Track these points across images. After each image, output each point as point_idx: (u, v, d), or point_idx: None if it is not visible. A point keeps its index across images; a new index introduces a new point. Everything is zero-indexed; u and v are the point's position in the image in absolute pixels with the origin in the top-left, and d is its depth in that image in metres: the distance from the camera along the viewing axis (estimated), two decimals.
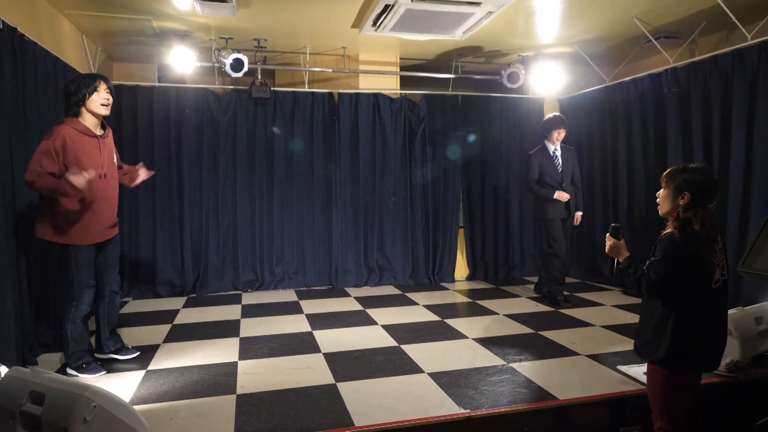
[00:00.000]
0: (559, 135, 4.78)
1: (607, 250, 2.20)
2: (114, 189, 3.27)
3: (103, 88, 3.10)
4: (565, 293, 4.97)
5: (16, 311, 3.13)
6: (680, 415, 2.08)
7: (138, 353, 3.53)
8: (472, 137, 6.15)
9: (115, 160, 3.30)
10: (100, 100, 3.08)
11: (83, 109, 3.07)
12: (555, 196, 4.70)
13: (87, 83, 3.06)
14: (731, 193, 4.23)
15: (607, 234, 2.21)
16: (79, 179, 2.82)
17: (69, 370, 3.16)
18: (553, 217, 4.77)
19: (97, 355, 3.35)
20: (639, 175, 5.34)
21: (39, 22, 3.94)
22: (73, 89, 3.05)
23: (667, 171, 2.13)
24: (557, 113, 4.99)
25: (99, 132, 3.15)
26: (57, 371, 3.17)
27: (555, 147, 4.82)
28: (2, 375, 2.19)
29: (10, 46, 3.24)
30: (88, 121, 3.10)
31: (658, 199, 2.16)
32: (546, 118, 4.92)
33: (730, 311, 3.13)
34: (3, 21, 3.14)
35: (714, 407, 2.88)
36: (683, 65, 4.73)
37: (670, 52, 5.04)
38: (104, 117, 3.17)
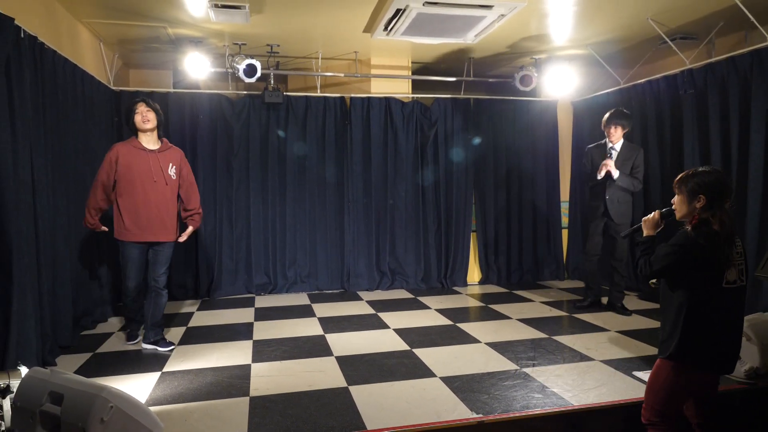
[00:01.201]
0: (613, 131, 4.50)
1: (644, 219, 2.29)
2: (165, 198, 3.67)
3: (140, 107, 3.63)
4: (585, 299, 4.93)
5: (36, 313, 3.20)
6: (672, 413, 2.12)
7: (173, 346, 3.85)
8: (483, 140, 6.13)
9: (172, 174, 3.72)
10: (138, 117, 3.62)
11: (137, 130, 3.66)
12: (603, 162, 4.45)
13: (129, 107, 3.67)
14: (750, 197, 4.16)
15: (659, 210, 2.27)
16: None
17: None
18: (588, 216, 4.75)
19: (143, 345, 3.84)
20: (655, 178, 5.27)
21: (58, 30, 4.03)
22: (125, 115, 3.70)
23: (678, 177, 2.18)
24: (619, 108, 4.62)
25: (151, 147, 3.67)
26: (75, 372, 3.23)
27: (612, 144, 4.57)
28: (23, 375, 2.23)
29: (30, 55, 3.32)
30: (142, 138, 3.67)
31: (674, 206, 2.20)
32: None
33: (748, 316, 3.09)
34: (24, 30, 3.22)
35: (733, 414, 2.83)
36: (700, 66, 4.67)
37: (687, 54, 4.98)
38: (157, 132, 3.72)
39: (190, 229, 3.87)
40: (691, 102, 4.76)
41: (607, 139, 4.64)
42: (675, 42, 4.86)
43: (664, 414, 2.11)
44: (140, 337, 3.91)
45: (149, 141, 3.66)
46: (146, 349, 3.79)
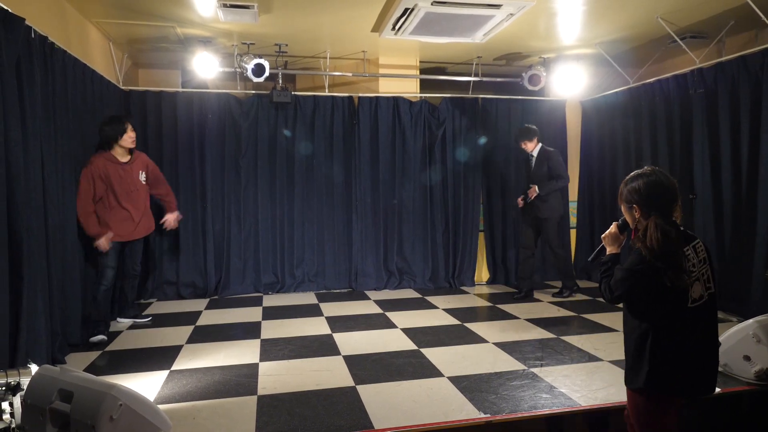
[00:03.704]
0: (523, 146, 5.34)
1: (603, 236, 2.03)
2: (142, 203, 4.16)
3: (129, 128, 4.04)
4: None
5: (46, 311, 3.22)
6: None
7: (150, 318, 4.53)
8: (491, 140, 6.11)
9: (142, 179, 4.20)
10: (129, 138, 4.05)
11: (115, 145, 4.02)
12: (527, 194, 5.30)
13: (118, 127, 4.00)
14: (760, 197, 4.12)
15: (616, 222, 2.01)
16: (102, 243, 3.91)
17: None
18: (520, 216, 5.66)
19: (120, 320, 4.42)
20: None
21: (68, 30, 4.06)
22: (108, 131, 4.00)
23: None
24: (522, 126, 5.46)
25: (124, 159, 4.09)
26: (84, 370, 3.25)
27: (530, 152, 5.35)
28: (33, 373, 2.25)
29: (41, 54, 3.34)
30: (117, 152, 4.06)
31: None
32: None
33: (759, 317, 3.05)
34: (34, 30, 3.25)
35: (742, 416, 2.80)
36: (710, 65, 4.63)
37: (697, 53, 4.94)
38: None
39: (175, 214, 4.34)
40: (700, 101, 4.72)
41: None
42: (685, 41, 4.82)
43: None
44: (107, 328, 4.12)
45: (123, 155, 4.08)
46: (122, 322, 4.38)
